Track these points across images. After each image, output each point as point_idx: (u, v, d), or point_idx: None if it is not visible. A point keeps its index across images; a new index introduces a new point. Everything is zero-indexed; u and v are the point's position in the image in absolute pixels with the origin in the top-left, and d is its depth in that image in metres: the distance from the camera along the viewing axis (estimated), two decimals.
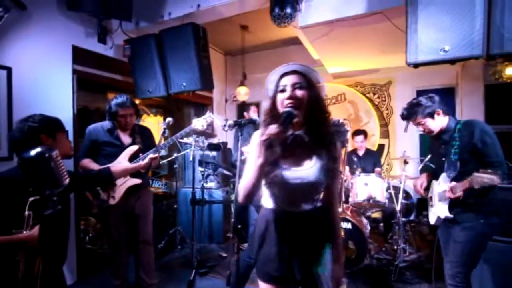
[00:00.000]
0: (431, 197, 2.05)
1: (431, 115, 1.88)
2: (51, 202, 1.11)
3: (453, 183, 1.76)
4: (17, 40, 2.41)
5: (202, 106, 4.89)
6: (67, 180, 1.18)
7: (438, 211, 1.92)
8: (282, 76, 1.19)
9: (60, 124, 1.56)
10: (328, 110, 1.22)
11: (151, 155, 1.98)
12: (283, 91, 1.16)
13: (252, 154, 1.20)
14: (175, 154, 3.39)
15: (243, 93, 4.34)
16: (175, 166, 3.41)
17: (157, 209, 4.43)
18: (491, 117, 3.86)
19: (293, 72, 1.18)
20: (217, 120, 3.50)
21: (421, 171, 2.33)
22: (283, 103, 1.15)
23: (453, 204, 1.82)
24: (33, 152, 1.09)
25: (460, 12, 1.81)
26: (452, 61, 1.92)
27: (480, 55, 1.80)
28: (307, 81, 1.16)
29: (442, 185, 1.90)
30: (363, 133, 3.91)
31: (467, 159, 1.78)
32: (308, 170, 1.17)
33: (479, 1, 1.76)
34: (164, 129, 2.05)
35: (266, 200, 1.28)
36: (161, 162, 3.66)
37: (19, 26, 2.42)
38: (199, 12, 2.83)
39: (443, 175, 1.91)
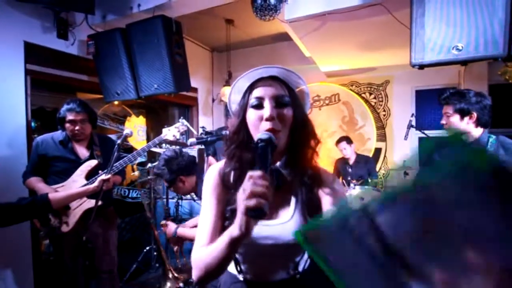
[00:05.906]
0: None
1: (462, 114, 1.70)
2: None
3: None
4: None
5: (187, 106, 4.53)
6: None
7: None
8: (255, 83, 0.80)
9: None
10: (317, 134, 0.82)
11: (103, 177, 1.62)
12: (258, 106, 0.77)
13: (206, 203, 0.83)
14: (149, 164, 3.04)
15: (228, 94, 3.98)
16: (149, 177, 3.06)
17: (134, 220, 4.10)
18: (495, 120, 3.55)
19: (272, 78, 0.79)
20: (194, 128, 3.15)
21: None
22: (258, 124, 0.76)
23: None
24: None
25: (477, 4, 1.49)
26: (465, 62, 1.62)
27: (501, 55, 1.49)
28: (289, 91, 0.80)
29: None
30: (345, 139, 3.62)
31: None
32: (284, 224, 0.78)
33: None
34: (118, 144, 1.68)
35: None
36: (136, 172, 3.31)
37: None
38: (171, 3, 2.46)
39: None
